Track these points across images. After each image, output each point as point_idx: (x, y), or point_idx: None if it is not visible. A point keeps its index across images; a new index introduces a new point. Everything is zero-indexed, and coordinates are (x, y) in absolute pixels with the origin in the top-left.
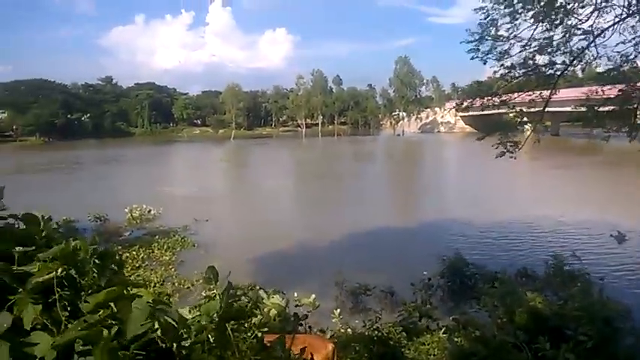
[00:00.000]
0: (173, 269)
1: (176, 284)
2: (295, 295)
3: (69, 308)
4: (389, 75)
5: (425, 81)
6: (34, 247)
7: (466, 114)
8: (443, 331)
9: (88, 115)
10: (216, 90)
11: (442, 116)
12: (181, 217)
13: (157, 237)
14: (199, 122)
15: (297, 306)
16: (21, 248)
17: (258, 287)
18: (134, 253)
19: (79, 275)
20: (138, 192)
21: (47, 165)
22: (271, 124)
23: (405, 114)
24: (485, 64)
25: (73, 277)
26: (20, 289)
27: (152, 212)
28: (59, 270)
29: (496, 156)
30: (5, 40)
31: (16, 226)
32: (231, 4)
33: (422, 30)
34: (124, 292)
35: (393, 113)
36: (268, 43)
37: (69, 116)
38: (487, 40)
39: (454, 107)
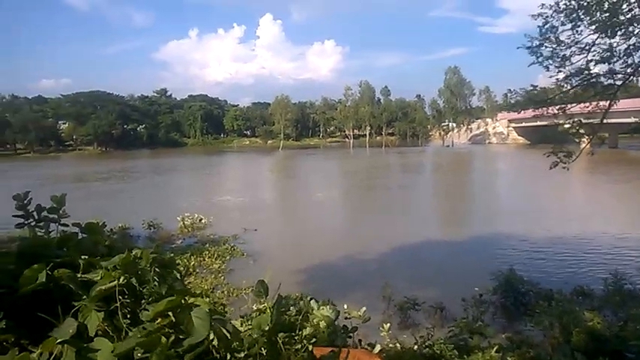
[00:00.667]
0: (223, 277)
1: (225, 292)
2: (345, 307)
3: (128, 316)
4: (438, 86)
5: (475, 91)
6: (97, 257)
7: (520, 125)
8: (495, 349)
9: (143, 125)
10: (265, 101)
11: (494, 127)
12: (231, 226)
13: (207, 245)
14: (249, 133)
15: (346, 318)
16: (86, 257)
17: (308, 298)
18: (185, 260)
19: (139, 284)
20: (190, 201)
21: (106, 174)
22: (319, 135)
23: (454, 125)
24: (547, 69)
25: (133, 285)
26: (84, 297)
27: (203, 221)
28: (121, 278)
29: (550, 167)
30: (67, 54)
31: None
32: (282, 17)
33: (472, 40)
34: (182, 301)
35: (442, 124)
36: (317, 55)
37: (125, 127)
38: (546, 46)
39: (511, 118)
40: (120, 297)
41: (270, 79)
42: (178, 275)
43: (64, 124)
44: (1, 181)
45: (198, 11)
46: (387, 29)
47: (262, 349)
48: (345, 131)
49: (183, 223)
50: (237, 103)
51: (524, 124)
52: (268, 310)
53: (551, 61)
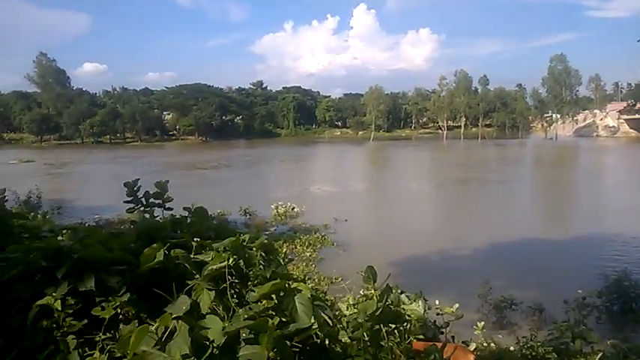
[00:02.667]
0: (314, 266)
1: (316, 280)
2: (437, 302)
3: (235, 296)
4: (541, 74)
5: (582, 80)
6: (207, 239)
7: (632, 117)
8: (600, 356)
9: (240, 117)
10: (357, 92)
11: (602, 119)
12: (322, 216)
13: (299, 234)
14: (340, 124)
15: (438, 314)
16: (197, 239)
17: (399, 291)
18: (278, 247)
19: (246, 266)
20: (283, 190)
21: (205, 163)
22: (411, 126)
23: (558, 116)
24: None
25: (241, 267)
26: (197, 276)
27: (295, 210)
28: (230, 260)
29: None
30: (170, 48)
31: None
32: (376, 6)
33: (579, 25)
34: (286, 285)
35: (545, 115)
36: (411, 44)
37: (223, 118)
38: None
39: (622, 109)
40: (229, 277)
41: (363, 69)
42: (281, 261)
43: (168, 114)
44: (118, 166)
45: (293, 3)
46: (486, 15)
47: (366, 334)
48: (438, 122)
49: (277, 211)
50: (329, 94)
51: (637, 116)
52: (375, 297)
53: None
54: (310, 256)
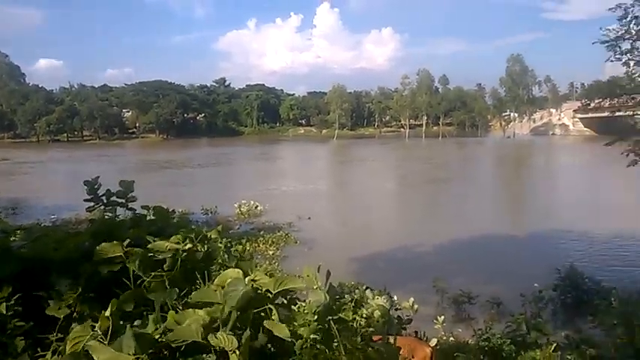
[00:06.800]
0: (277, 264)
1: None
2: (395, 298)
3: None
4: (499, 74)
5: (538, 80)
6: (166, 238)
7: (586, 116)
8: (554, 347)
9: (203, 114)
10: (321, 91)
11: (558, 118)
12: (286, 214)
13: (262, 232)
14: (304, 122)
15: (396, 309)
16: (155, 238)
17: (364, 287)
18: (241, 246)
19: (208, 258)
20: (246, 188)
21: (167, 162)
22: (374, 125)
23: (516, 115)
24: (628, 66)
25: (198, 259)
26: (152, 273)
27: (259, 208)
28: (186, 247)
29: (628, 165)
30: (131, 44)
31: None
32: (339, 5)
33: (536, 27)
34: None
35: (504, 114)
36: (374, 43)
37: (185, 115)
38: (625, 39)
39: (577, 108)
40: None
41: (326, 68)
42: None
43: (127, 112)
44: (77, 165)
45: (256, 1)
46: (448, 16)
47: (315, 333)
48: (400, 121)
49: (240, 210)
50: (293, 92)
51: (590, 115)
52: (323, 295)
53: (630, 55)
54: (273, 254)
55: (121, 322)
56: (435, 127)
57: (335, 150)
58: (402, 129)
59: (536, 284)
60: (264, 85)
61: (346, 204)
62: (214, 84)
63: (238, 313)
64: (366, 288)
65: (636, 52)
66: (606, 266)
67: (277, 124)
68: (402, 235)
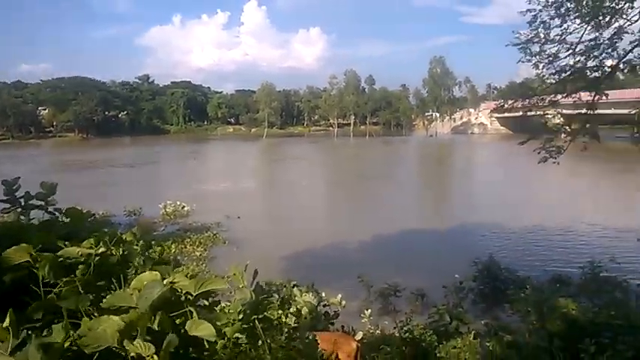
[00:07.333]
0: (204, 265)
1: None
2: (323, 294)
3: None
4: (423, 75)
5: (458, 81)
6: (79, 241)
7: (501, 115)
8: (474, 335)
9: (125, 112)
10: (249, 89)
11: (476, 117)
12: (214, 214)
13: (189, 233)
14: (232, 121)
15: (325, 305)
16: (66, 242)
17: (292, 284)
18: (166, 248)
19: (123, 261)
20: (173, 188)
21: (88, 162)
22: (303, 124)
23: (438, 115)
24: (537, 68)
25: (111, 263)
26: (64, 278)
27: (185, 208)
28: (99, 251)
29: (539, 161)
30: (46, 38)
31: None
32: (267, 3)
33: (456, 30)
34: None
35: (426, 114)
36: (302, 43)
37: (106, 113)
38: (535, 42)
39: (493, 108)
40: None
41: (254, 66)
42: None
43: (44, 109)
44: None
45: None
46: (374, 17)
47: (240, 333)
48: (329, 120)
49: (165, 211)
50: (221, 89)
51: (505, 115)
52: (249, 294)
53: (539, 58)
54: (201, 255)
55: (29, 333)
56: (362, 127)
57: (265, 148)
58: (330, 128)
59: (457, 275)
60: (190, 82)
61: (276, 202)
62: (137, 80)
63: (155, 316)
64: (294, 285)
65: (544, 55)
66: (522, 257)
67: (205, 123)
68: (331, 232)
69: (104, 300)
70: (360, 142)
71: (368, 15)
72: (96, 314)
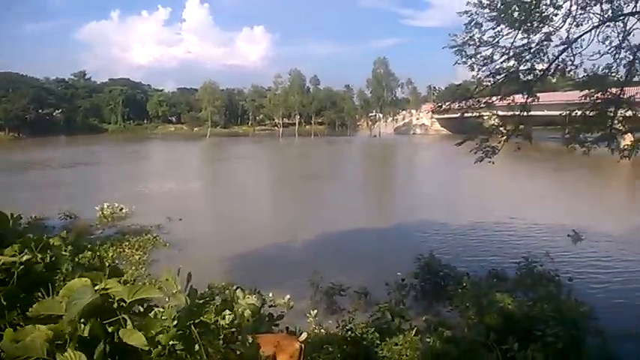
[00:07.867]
0: (144, 269)
1: (147, 284)
2: (270, 295)
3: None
4: (367, 76)
5: (401, 83)
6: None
7: (442, 116)
8: (415, 331)
9: (60, 110)
10: (192, 87)
11: (417, 118)
12: (155, 216)
13: (127, 236)
14: (174, 119)
15: (271, 306)
16: None
17: (234, 287)
18: (103, 252)
19: (51, 268)
20: (111, 190)
21: (21, 164)
22: (248, 123)
23: (381, 115)
24: (472, 70)
25: (37, 270)
26: None
27: (124, 210)
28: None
29: (475, 161)
30: None
31: None
32: (209, 0)
33: (398, 32)
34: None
35: (370, 114)
36: (246, 41)
37: (40, 111)
38: (470, 45)
39: (432, 109)
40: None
41: (197, 64)
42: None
43: None
44: None
45: None
46: (318, 17)
47: (175, 339)
48: (274, 119)
49: (103, 213)
50: (162, 87)
51: (445, 116)
52: (184, 298)
53: (474, 60)
54: (140, 259)
55: None
56: (307, 126)
57: (208, 148)
58: (275, 127)
59: (399, 273)
60: (129, 79)
61: (220, 203)
62: (73, 77)
63: (86, 324)
64: (237, 288)
65: (479, 57)
66: (462, 254)
67: (145, 122)
68: (276, 232)
69: (30, 309)
70: (305, 142)
71: (312, 14)
72: (22, 324)
